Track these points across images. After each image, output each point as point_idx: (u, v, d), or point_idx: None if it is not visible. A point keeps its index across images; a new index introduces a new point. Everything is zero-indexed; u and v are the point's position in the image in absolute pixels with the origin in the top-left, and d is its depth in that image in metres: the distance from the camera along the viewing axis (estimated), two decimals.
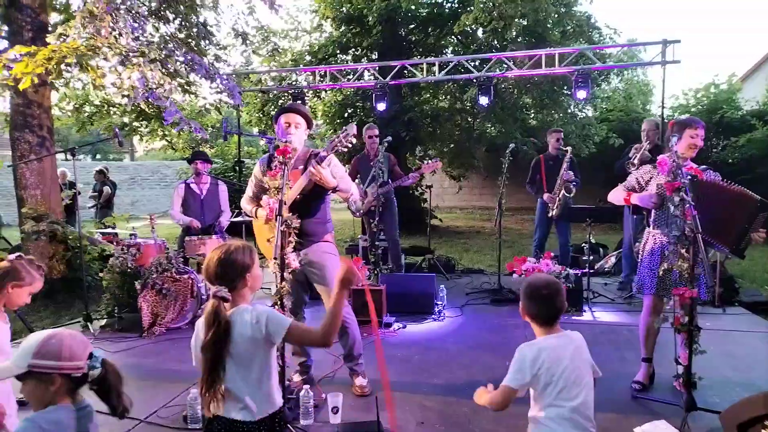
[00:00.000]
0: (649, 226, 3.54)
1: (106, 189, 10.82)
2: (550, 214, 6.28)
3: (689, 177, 2.96)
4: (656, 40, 7.27)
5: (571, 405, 2.09)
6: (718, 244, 3.25)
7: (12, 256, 2.52)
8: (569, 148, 6.21)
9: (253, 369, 1.94)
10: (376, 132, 6.33)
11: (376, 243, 5.70)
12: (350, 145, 3.33)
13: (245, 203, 3.56)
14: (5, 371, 1.69)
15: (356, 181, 6.24)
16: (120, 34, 5.51)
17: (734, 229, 3.13)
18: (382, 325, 5.02)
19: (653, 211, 3.46)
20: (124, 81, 5.75)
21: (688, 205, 2.87)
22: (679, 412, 3.01)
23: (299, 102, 8.46)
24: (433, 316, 5.37)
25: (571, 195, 6.15)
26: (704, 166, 3.46)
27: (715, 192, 3.20)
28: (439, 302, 5.56)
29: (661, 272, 3.18)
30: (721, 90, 13.62)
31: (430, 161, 6.42)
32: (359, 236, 7.64)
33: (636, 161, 5.45)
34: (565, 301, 2.19)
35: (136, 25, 5.67)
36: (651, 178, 3.49)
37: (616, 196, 3.67)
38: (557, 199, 6.20)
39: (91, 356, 1.70)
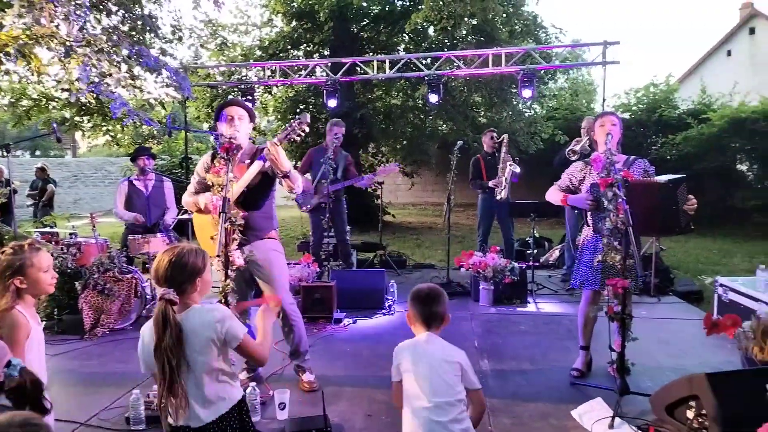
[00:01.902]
0: (587, 224, 3.68)
1: (50, 187, 10.38)
2: (498, 197, 6.47)
3: (621, 174, 3.10)
4: (597, 41, 7.54)
5: (424, 405, 2.14)
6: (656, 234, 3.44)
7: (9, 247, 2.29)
8: (505, 135, 6.53)
9: (208, 369, 1.93)
10: (343, 130, 6.28)
11: (325, 240, 5.70)
12: (303, 134, 3.29)
13: (187, 197, 3.46)
14: None
15: (308, 174, 6.17)
16: (58, 26, 5.32)
17: (662, 215, 3.30)
18: (332, 320, 5.04)
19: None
20: (69, 72, 5.54)
21: (620, 200, 3.01)
22: (613, 396, 3.16)
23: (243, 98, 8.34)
24: (383, 310, 5.42)
25: (519, 172, 6.34)
26: (633, 157, 3.63)
27: (643, 191, 3.36)
28: (389, 297, 5.63)
29: (595, 264, 3.32)
30: (659, 90, 14.24)
31: (387, 165, 6.45)
32: (310, 233, 7.61)
33: (578, 148, 5.67)
34: (444, 310, 2.30)
35: (78, 14, 5.48)
36: (584, 176, 3.64)
37: (553, 196, 3.79)
38: (504, 179, 6.39)
39: (8, 364, 1.62)
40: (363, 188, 6.62)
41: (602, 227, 3.19)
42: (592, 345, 3.82)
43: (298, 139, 3.27)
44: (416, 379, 2.20)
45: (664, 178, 3.41)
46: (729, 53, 22.38)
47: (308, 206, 6.15)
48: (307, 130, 3.29)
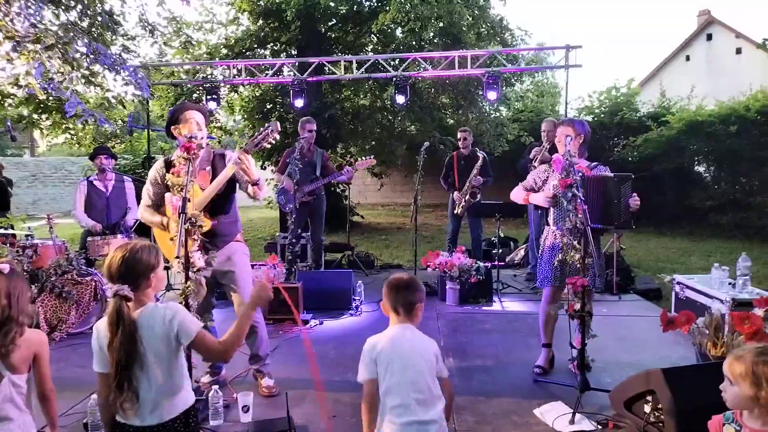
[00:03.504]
0: (547, 224, 3.77)
1: None
2: (456, 211, 6.55)
3: (580, 174, 3.18)
4: (560, 45, 7.67)
5: (405, 402, 2.10)
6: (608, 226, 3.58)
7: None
8: (482, 154, 6.56)
9: (162, 368, 1.92)
10: (315, 126, 6.25)
11: (294, 240, 5.65)
12: (274, 142, 3.28)
13: (146, 213, 3.34)
14: None
15: (285, 174, 6.10)
16: (12, 20, 5.13)
17: (604, 207, 3.43)
18: (299, 321, 5.00)
19: (552, 208, 3.69)
20: (18, 68, 5.36)
21: (579, 200, 3.09)
22: (574, 393, 3.22)
23: (208, 102, 8.21)
24: (350, 311, 5.41)
25: (477, 200, 6.44)
26: (595, 163, 3.74)
27: (594, 184, 3.47)
28: (356, 298, 5.62)
29: (555, 263, 3.39)
30: (621, 93, 14.59)
31: (364, 158, 6.44)
32: (278, 234, 7.55)
33: (537, 163, 5.83)
34: (416, 299, 2.25)
35: (31, 10, 5.30)
36: (547, 177, 3.72)
37: (517, 195, 3.90)
38: (463, 200, 6.47)
39: None
40: (331, 188, 6.59)
41: (562, 225, 3.26)
42: (553, 342, 3.89)
43: (268, 146, 3.25)
44: (396, 373, 2.13)
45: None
46: (687, 58, 23.14)
47: (290, 205, 6.08)
48: (278, 137, 3.28)
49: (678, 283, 5.00)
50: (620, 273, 6.06)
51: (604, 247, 5.76)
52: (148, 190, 3.35)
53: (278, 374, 3.68)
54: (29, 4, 5.32)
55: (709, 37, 22.40)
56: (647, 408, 2.83)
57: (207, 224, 3.12)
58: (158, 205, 3.32)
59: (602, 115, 14.15)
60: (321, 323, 5.07)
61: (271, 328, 4.68)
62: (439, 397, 2.16)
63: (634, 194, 3.40)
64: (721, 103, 12.28)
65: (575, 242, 3.15)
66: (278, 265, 5.62)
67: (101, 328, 1.94)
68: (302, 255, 6.47)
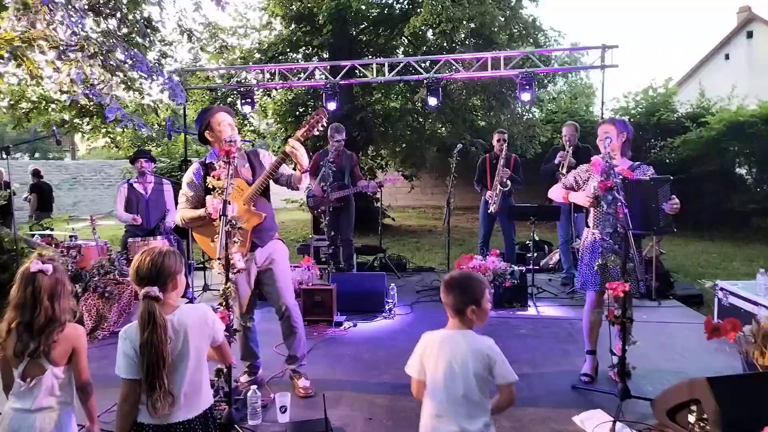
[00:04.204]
0: (587, 226, 3.71)
1: (34, 196, 10.34)
2: (489, 210, 6.48)
3: (621, 177, 3.12)
4: (596, 45, 7.54)
5: (436, 404, 2.07)
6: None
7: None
8: (514, 156, 6.56)
9: (188, 368, 1.98)
10: (344, 135, 6.34)
11: (325, 243, 5.69)
12: (324, 127, 3.34)
13: (185, 213, 3.38)
14: None
15: (318, 177, 6.16)
16: (55, 29, 5.31)
17: (643, 211, 3.35)
18: (332, 323, 5.03)
19: (592, 210, 3.63)
20: (62, 76, 5.54)
21: (619, 203, 3.03)
22: (614, 401, 3.16)
23: (243, 106, 8.38)
24: (383, 314, 5.42)
25: (507, 188, 6.36)
26: (638, 163, 3.66)
27: (632, 187, 3.40)
28: (389, 300, 5.62)
29: (596, 267, 3.33)
30: (658, 93, 14.26)
31: (392, 173, 6.50)
32: (310, 236, 7.61)
33: (564, 171, 5.76)
34: (464, 301, 2.10)
35: (74, 18, 5.47)
36: (589, 176, 3.67)
37: (556, 193, 3.84)
38: (495, 194, 6.41)
39: None
40: (363, 192, 6.62)
41: (602, 230, 3.21)
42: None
43: (318, 133, 3.31)
44: (439, 378, 2.08)
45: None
46: (727, 57, 22.44)
47: (320, 208, 6.13)
48: (326, 125, 3.35)
49: (721, 289, 4.85)
50: (659, 278, 5.92)
51: (643, 251, 5.64)
52: (185, 193, 3.41)
53: (313, 375, 3.71)
54: (71, 13, 5.50)
55: (750, 34, 21.67)
56: (692, 418, 2.75)
57: (260, 216, 3.26)
58: (195, 208, 3.38)
59: (638, 116, 13.85)
60: (355, 325, 5.09)
61: (306, 330, 4.72)
62: (485, 409, 2.05)
63: (673, 197, 3.32)
64: (764, 102, 11.89)
65: (615, 246, 3.09)
66: (312, 267, 5.68)
67: (132, 332, 1.97)
68: (335, 257, 6.51)
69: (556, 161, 6.05)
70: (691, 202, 10.30)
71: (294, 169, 3.41)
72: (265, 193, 3.45)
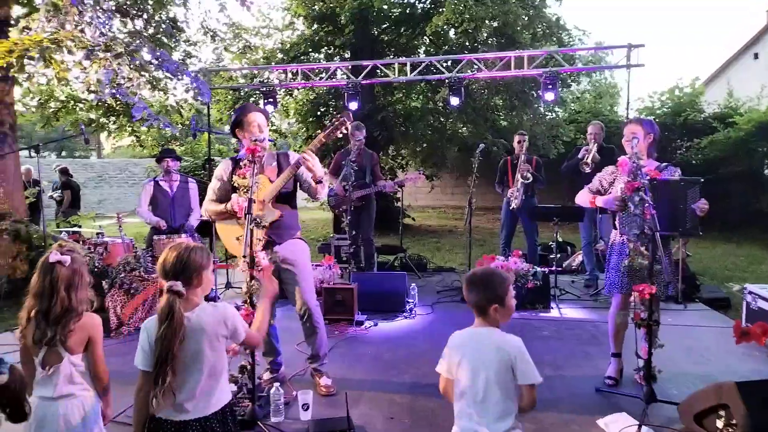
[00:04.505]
0: (614, 228, 3.65)
1: (67, 194, 10.56)
2: (511, 207, 6.43)
3: (647, 177, 3.07)
4: (621, 44, 7.43)
5: (461, 404, 2.07)
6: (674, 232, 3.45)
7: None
8: (525, 140, 6.56)
9: (205, 366, 1.99)
10: (365, 133, 6.36)
11: (346, 242, 5.71)
12: (345, 132, 3.36)
13: (210, 206, 3.47)
14: None
15: (340, 175, 6.18)
16: (83, 30, 5.42)
17: (670, 212, 3.30)
18: (353, 322, 5.04)
19: (618, 212, 3.58)
20: (90, 76, 5.64)
21: (647, 204, 2.98)
22: (639, 404, 3.11)
23: (265, 105, 8.42)
24: (404, 314, 5.41)
25: (528, 181, 6.31)
26: (665, 164, 3.60)
27: (660, 187, 3.34)
28: (410, 300, 5.62)
29: (623, 269, 3.29)
30: (684, 93, 14.01)
31: (413, 172, 6.50)
32: (331, 235, 7.65)
33: (589, 160, 5.70)
34: (486, 298, 2.07)
35: (102, 19, 5.58)
36: (615, 179, 3.61)
37: (583, 198, 3.79)
38: (516, 189, 6.36)
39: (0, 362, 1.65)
40: (384, 191, 6.64)
41: (629, 231, 3.16)
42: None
43: (340, 136, 3.34)
44: (463, 377, 2.07)
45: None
46: (756, 56, 21.90)
47: (341, 207, 6.16)
48: (349, 128, 3.37)
49: (750, 292, 4.74)
50: (686, 281, 5.82)
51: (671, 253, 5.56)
52: (213, 186, 3.50)
53: (334, 374, 3.72)
54: (98, 14, 5.61)
55: None
56: (720, 423, 2.70)
57: (276, 214, 3.28)
58: (221, 202, 3.44)
59: (664, 116, 13.63)
60: (375, 324, 5.09)
61: (327, 328, 4.74)
62: (511, 411, 2.01)
63: (702, 199, 3.26)
64: None
65: (643, 248, 3.04)
66: (333, 266, 5.70)
67: (151, 325, 2.01)
68: (356, 256, 6.53)
69: (580, 155, 5.98)
70: (718, 204, 10.04)
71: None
72: (289, 194, 3.49)
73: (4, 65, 4.99)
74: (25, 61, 5.31)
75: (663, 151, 12.27)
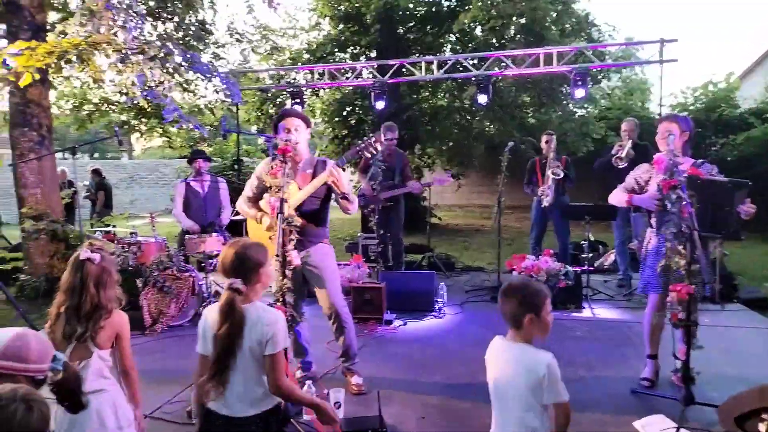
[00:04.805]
0: (651, 226, 3.57)
1: (101, 194, 10.82)
2: (543, 204, 6.35)
3: (686, 176, 3.00)
4: (653, 39, 7.28)
5: (494, 413, 2.08)
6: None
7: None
8: (552, 138, 6.49)
9: (254, 365, 2.00)
10: (396, 134, 6.38)
11: (374, 241, 5.71)
12: (375, 152, 3.37)
13: (243, 205, 3.57)
14: None
15: (367, 176, 6.20)
16: (116, 34, 5.53)
17: (715, 214, 3.20)
18: (382, 321, 5.04)
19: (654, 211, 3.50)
20: (125, 79, 5.76)
21: (684, 203, 2.90)
22: (677, 407, 3.04)
23: (293, 105, 8.48)
24: (433, 313, 5.39)
25: (559, 177, 6.22)
26: (701, 160, 3.51)
27: (702, 187, 3.25)
28: (439, 300, 5.59)
29: (659, 268, 3.21)
30: (719, 88, 13.64)
31: (440, 174, 6.47)
32: (359, 234, 7.66)
33: (623, 155, 5.57)
34: (524, 308, 2.00)
35: (133, 23, 5.68)
36: (650, 177, 3.53)
37: (618, 198, 3.68)
38: (547, 186, 6.29)
39: (54, 359, 1.68)
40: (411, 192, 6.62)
41: (665, 230, 3.08)
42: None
43: (369, 155, 3.36)
44: (492, 382, 2.08)
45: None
46: None
47: (369, 207, 6.16)
48: (380, 148, 3.38)
49: None
50: (723, 281, 5.66)
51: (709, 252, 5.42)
52: (251, 183, 3.56)
53: (364, 373, 3.72)
54: (131, 17, 5.72)
55: None
56: (762, 427, 2.61)
57: (298, 221, 3.25)
58: (257, 199, 3.52)
59: (697, 112, 13.29)
60: (404, 324, 5.09)
61: (356, 328, 4.75)
62: (539, 428, 1.96)
63: (747, 200, 3.16)
64: None
65: (680, 247, 2.97)
66: (362, 265, 5.71)
67: (210, 314, 2.06)
68: (384, 256, 6.53)
69: (613, 151, 5.87)
70: (755, 202, 9.79)
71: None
72: (323, 202, 3.50)
73: (43, 66, 5.13)
74: (62, 63, 5.45)
75: (696, 148, 11.96)
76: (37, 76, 5.11)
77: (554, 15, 10.82)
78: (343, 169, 3.31)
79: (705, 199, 3.17)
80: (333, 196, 3.51)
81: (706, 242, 3.47)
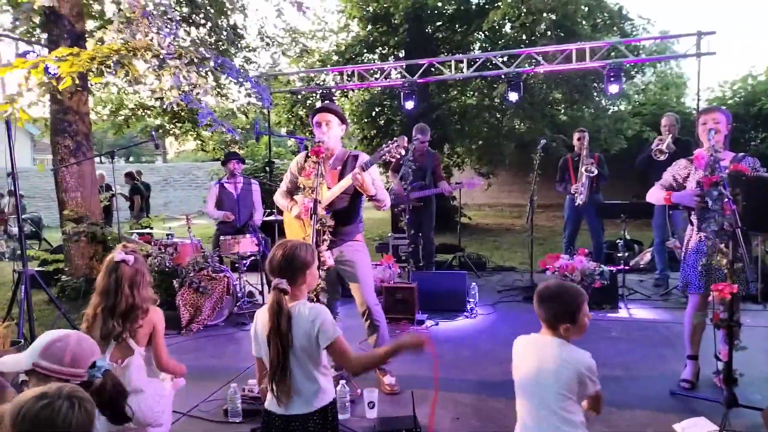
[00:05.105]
0: (691, 224, 3.48)
1: (137, 198, 11.12)
2: (576, 203, 6.25)
3: (727, 171, 2.91)
4: (690, 32, 7.09)
5: (524, 410, 2.07)
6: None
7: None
8: (585, 135, 6.40)
9: (307, 361, 2.02)
10: (428, 137, 6.38)
11: (405, 241, 5.72)
12: (399, 156, 3.39)
13: (280, 198, 3.68)
14: (14, 364, 1.71)
15: (398, 176, 6.21)
16: (152, 39, 5.66)
17: (763, 209, 3.09)
18: (414, 321, 5.04)
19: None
20: (163, 83, 5.90)
21: (726, 200, 2.82)
22: (719, 409, 2.96)
23: (328, 102, 8.53)
24: (465, 313, 5.36)
25: (593, 174, 6.12)
26: (742, 154, 3.41)
27: (751, 184, 3.15)
28: (470, 300, 5.56)
29: (700, 267, 3.13)
30: (758, 81, 13.20)
31: (470, 177, 6.45)
32: (389, 234, 7.67)
33: (664, 147, 5.46)
34: (560, 313, 2.01)
35: (168, 30, 5.81)
36: (689, 174, 3.44)
37: (656, 196, 3.58)
38: (581, 184, 6.20)
39: (93, 365, 1.69)
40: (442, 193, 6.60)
41: (707, 228, 3.00)
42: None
43: (393, 160, 3.36)
44: (520, 387, 2.08)
45: None
46: None
47: (400, 207, 6.18)
48: (404, 152, 3.39)
49: None
50: (765, 279, 5.48)
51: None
52: (286, 177, 3.67)
53: (397, 373, 3.71)
54: (167, 23, 5.85)
55: None
56: None
57: (331, 222, 3.29)
58: (292, 193, 3.62)
59: (736, 107, 12.90)
60: (436, 324, 5.08)
61: (388, 327, 4.76)
62: (570, 423, 1.97)
63: None
64: None
65: (722, 245, 2.88)
66: (393, 265, 5.72)
67: (261, 316, 2.09)
68: (415, 255, 6.52)
69: (653, 145, 5.73)
70: None
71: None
72: (354, 199, 3.51)
73: (85, 71, 5.28)
74: (103, 67, 5.62)
75: (734, 142, 11.61)
76: (78, 82, 5.27)
77: (586, 9, 10.63)
78: (364, 169, 3.29)
79: (752, 195, 3.07)
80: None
81: (748, 239, 3.36)
